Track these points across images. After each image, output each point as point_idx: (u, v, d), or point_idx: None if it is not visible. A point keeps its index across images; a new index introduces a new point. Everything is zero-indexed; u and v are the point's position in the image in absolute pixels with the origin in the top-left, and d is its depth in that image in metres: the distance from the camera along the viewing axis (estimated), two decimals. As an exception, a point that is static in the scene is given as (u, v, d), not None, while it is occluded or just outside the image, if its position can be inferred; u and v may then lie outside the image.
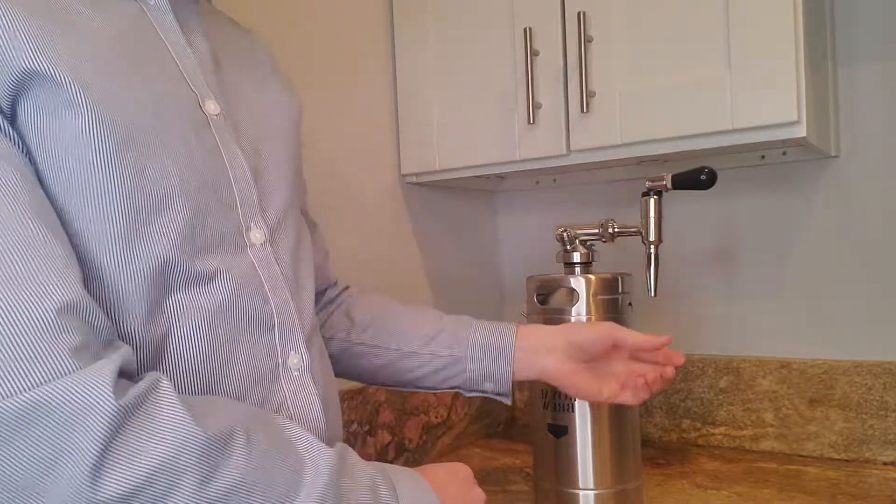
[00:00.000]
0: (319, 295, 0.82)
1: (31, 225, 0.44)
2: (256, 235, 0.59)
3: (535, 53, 1.04)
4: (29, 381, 0.40)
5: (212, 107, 0.59)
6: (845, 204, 1.11)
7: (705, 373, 1.21)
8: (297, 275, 0.64)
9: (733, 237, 1.20)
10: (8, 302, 0.40)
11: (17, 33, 0.46)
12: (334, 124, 1.09)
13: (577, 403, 0.89)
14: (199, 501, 0.43)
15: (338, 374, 0.78)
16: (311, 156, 1.05)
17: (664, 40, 0.96)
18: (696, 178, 0.86)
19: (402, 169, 1.20)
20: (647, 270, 0.90)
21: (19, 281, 0.41)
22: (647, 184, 0.90)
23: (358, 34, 1.15)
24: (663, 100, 0.95)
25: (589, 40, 1.00)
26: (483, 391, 0.81)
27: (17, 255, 0.42)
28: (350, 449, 0.56)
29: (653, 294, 0.90)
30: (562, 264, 0.95)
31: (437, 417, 1.22)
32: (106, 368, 0.42)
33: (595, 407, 0.89)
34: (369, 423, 1.07)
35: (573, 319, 0.90)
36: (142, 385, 0.44)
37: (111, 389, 0.41)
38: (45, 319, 0.41)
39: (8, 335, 0.40)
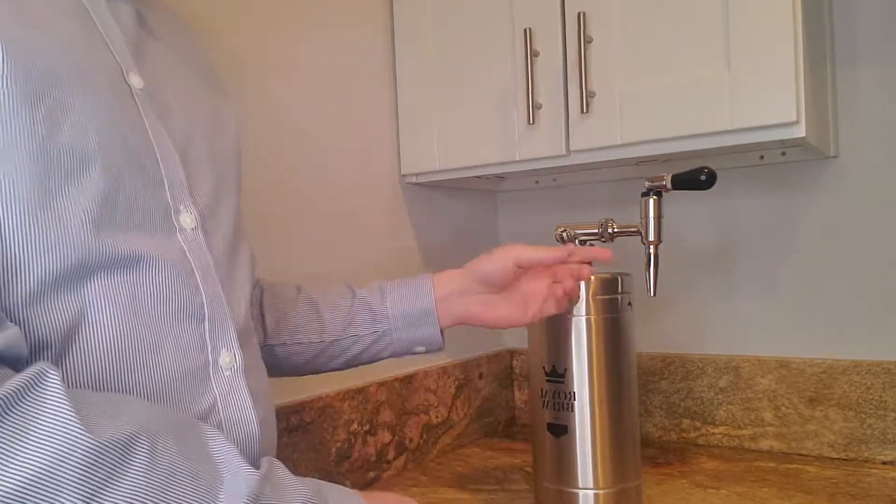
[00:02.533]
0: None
1: None
2: (186, 219, 0.55)
3: (535, 54, 1.04)
4: None
5: (136, 80, 0.54)
6: (844, 204, 1.11)
7: (705, 372, 1.21)
8: (231, 267, 0.60)
9: (732, 237, 1.21)
10: None
11: None
12: (334, 124, 1.10)
13: (576, 403, 0.90)
14: None
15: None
16: (312, 156, 1.05)
17: (664, 40, 0.96)
18: (695, 178, 0.87)
19: (402, 169, 1.21)
20: (647, 270, 0.90)
21: None
22: (647, 184, 0.90)
23: (358, 34, 1.15)
24: (663, 100, 0.95)
25: (589, 41, 1.00)
26: (415, 353, 0.82)
27: None
28: (279, 465, 0.51)
29: (652, 294, 0.90)
30: (562, 264, 0.95)
31: (437, 417, 1.22)
32: None
33: (595, 406, 0.89)
34: (369, 423, 1.07)
35: (573, 319, 0.90)
36: (23, 376, 0.38)
37: None
38: None
39: None
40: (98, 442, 0.38)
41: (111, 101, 0.51)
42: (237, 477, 0.45)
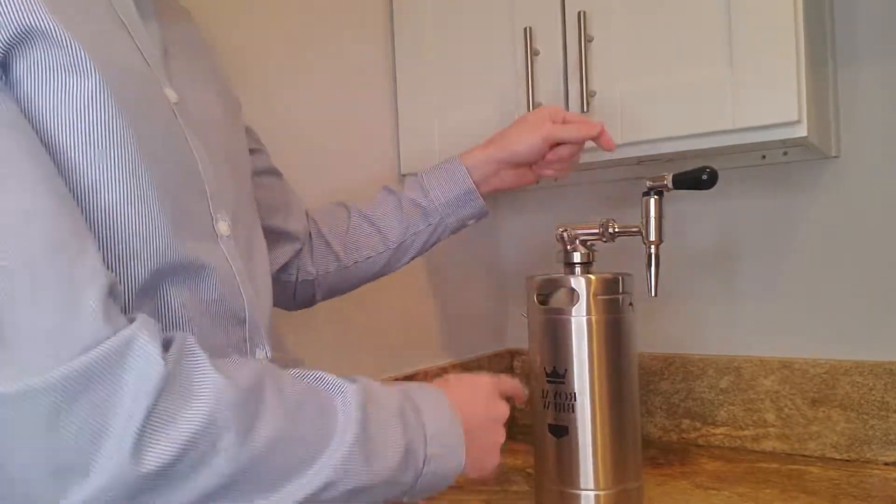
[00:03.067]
0: (307, 229, 0.87)
1: (46, 195, 0.41)
2: (223, 227, 0.58)
3: (535, 53, 1.04)
4: (72, 349, 0.36)
5: (171, 94, 0.56)
6: (846, 204, 1.11)
7: (706, 373, 1.21)
8: (254, 268, 0.63)
9: (734, 237, 1.20)
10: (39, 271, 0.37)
11: None
12: (334, 124, 1.09)
13: (577, 404, 0.89)
14: (243, 454, 0.42)
15: (340, 293, 0.90)
16: (311, 156, 1.05)
17: (665, 40, 0.96)
18: (697, 178, 0.86)
19: (402, 169, 1.20)
20: (648, 270, 0.89)
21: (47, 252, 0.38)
22: (648, 184, 0.90)
23: (358, 34, 1.15)
24: (664, 100, 0.95)
25: (589, 40, 1.00)
26: (467, 225, 0.92)
27: (41, 227, 0.39)
28: (370, 380, 0.55)
29: (653, 294, 0.90)
30: (562, 264, 0.95)
31: (437, 418, 1.21)
32: (145, 328, 0.40)
33: (596, 407, 0.89)
34: (370, 424, 1.07)
35: (573, 319, 0.90)
36: (177, 345, 0.42)
37: (159, 352, 0.40)
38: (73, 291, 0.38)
39: (40, 307, 0.36)
40: (240, 387, 0.43)
41: (163, 115, 0.53)
42: (346, 390, 0.51)
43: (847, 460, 1.09)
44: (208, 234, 0.56)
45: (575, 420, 0.89)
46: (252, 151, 0.77)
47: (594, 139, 0.89)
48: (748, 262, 1.19)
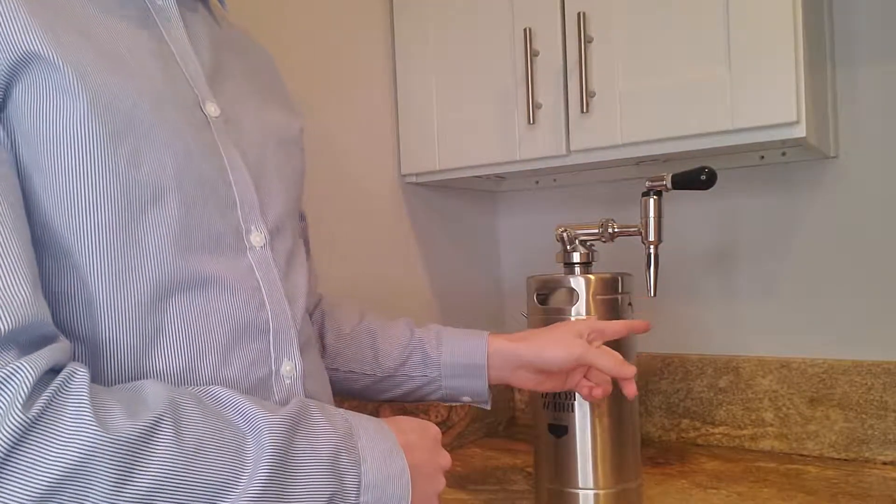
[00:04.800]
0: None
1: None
2: (257, 238, 0.59)
3: (535, 53, 1.04)
4: None
5: (212, 109, 0.59)
6: (844, 204, 1.11)
7: (705, 372, 1.21)
8: (293, 280, 0.64)
9: (733, 237, 1.20)
10: None
11: (20, 17, 0.46)
12: (335, 124, 1.09)
13: (577, 404, 0.89)
14: (119, 502, 0.40)
15: None
16: (312, 156, 1.05)
17: (664, 40, 0.96)
18: (696, 178, 0.87)
19: (402, 169, 1.21)
20: (647, 270, 0.90)
21: None
22: (647, 184, 0.90)
23: (358, 34, 1.15)
24: (663, 100, 0.95)
25: (589, 40, 1.00)
26: (461, 402, 0.84)
27: None
28: (312, 405, 0.53)
29: (652, 294, 0.90)
30: (562, 264, 0.95)
31: (437, 417, 1.22)
32: (20, 373, 0.40)
33: (595, 407, 0.89)
34: (369, 423, 1.07)
35: (573, 318, 0.90)
36: (53, 385, 0.41)
37: (22, 401, 0.39)
38: None
39: None
40: (117, 436, 0.41)
41: (187, 133, 0.55)
42: (258, 427, 0.47)
43: (845, 460, 1.09)
44: (231, 246, 0.57)
45: (574, 420, 0.90)
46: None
47: (621, 379, 0.81)
48: (747, 261, 1.19)
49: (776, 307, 1.17)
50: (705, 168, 0.86)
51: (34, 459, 0.39)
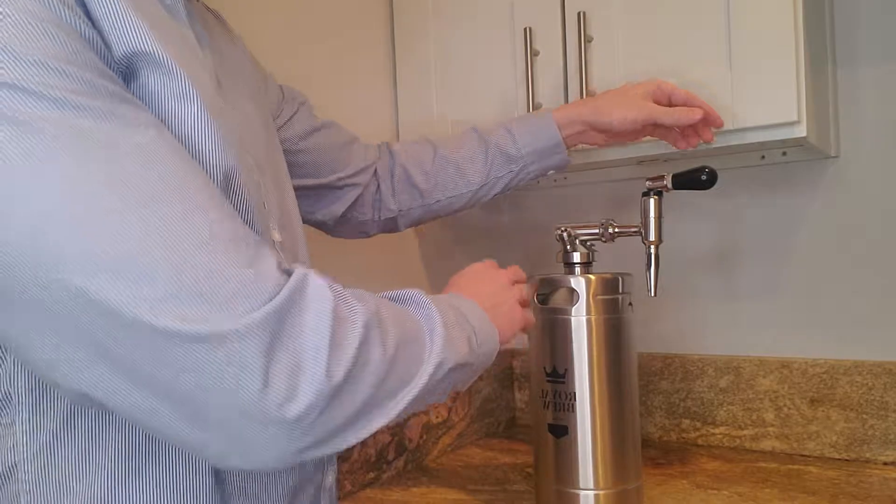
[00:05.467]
0: (371, 171, 0.93)
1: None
2: (276, 235, 0.61)
3: (535, 53, 1.04)
4: (264, 296, 0.42)
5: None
6: (845, 204, 1.11)
7: (705, 372, 1.21)
8: None
9: (733, 237, 1.20)
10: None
11: (128, 16, 0.45)
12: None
13: (577, 404, 0.89)
14: (386, 359, 0.48)
15: (424, 223, 0.98)
16: (312, 156, 1.05)
17: (665, 40, 0.96)
18: (696, 178, 0.86)
19: (402, 169, 1.20)
20: (648, 270, 0.90)
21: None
22: (648, 184, 0.90)
23: (358, 34, 1.15)
24: (663, 100, 0.95)
25: (589, 40, 1.00)
26: (547, 175, 0.96)
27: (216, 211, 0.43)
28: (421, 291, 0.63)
29: (653, 294, 0.90)
30: (562, 264, 0.95)
31: (437, 417, 1.22)
32: (309, 273, 0.47)
33: (595, 407, 0.89)
34: (369, 424, 1.07)
35: (573, 319, 0.90)
36: (328, 280, 0.48)
37: (327, 287, 0.46)
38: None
39: (239, 267, 0.42)
40: (372, 311, 0.49)
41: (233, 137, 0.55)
42: (420, 301, 0.57)
43: (846, 460, 1.09)
44: (270, 241, 0.59)
45: (574, 420, 0.89)
46: (293, 114, 0.85)
47: (694, 127, 0.89)
48: (747, 261, 1.19)
49: (777, 307, 1.17)
50: (706, 168, 0.86)
51: (344, 331, 0.46)
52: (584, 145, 1.02)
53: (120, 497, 0.48)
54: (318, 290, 0.45)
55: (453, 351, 0.56)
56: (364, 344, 0.47)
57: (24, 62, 0.38)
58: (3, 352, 0.45)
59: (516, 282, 0.75)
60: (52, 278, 0.38)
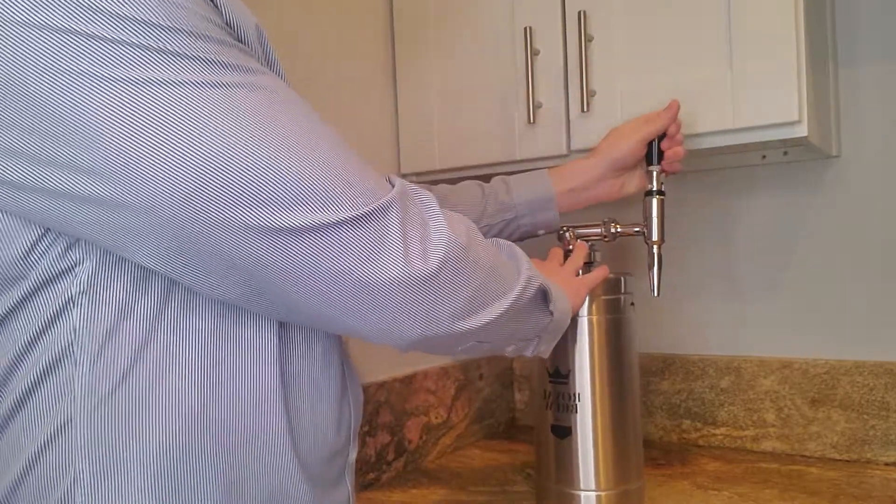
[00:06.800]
0: None
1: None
2: None
3: (535, 53, 1.03)
4: (384, 193, 0.50)
5: None
6: (846, 204, 1.11)
7: (706, 373, 1.21)
8: None
9: (735, 237, 1.20)
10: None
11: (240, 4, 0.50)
12: (334, 123, 1.08)
13: (579, 405, 0.89)
14: (484, 262, 0.56)
15: None
16: (311, 156, 1.04)
17: (665, 39, 0.95)
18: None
19: (401, 168, 1.20)
20: (651, 270, 0.89)
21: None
22: (649, 184, 0.90)
23: (358, 33, 1.14)
24: (664, 99, 0.95)
25: (589, 39, 0.99)
26: (537, 235, 0.95)
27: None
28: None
29: (656, 294, 0.90)
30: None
31: (437, 418, 1.21)
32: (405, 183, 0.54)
33: (597, 407, 0.89)
34: (369, 424, 1.07)
35: (576, 319, 0.89)
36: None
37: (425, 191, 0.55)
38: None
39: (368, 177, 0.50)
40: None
41: None
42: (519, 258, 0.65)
43: (847, 461, 1.09)
44: None
45: (577, 420, 0.89)
46: None
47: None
48: (748, 261, 1.19)
49: (778, 307, 1.17)
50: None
51: (448, 223, 0.53)
52: (585, 142, 1.01)
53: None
54: (422, 191, 0.54)
55: (538, 275, 0.63)
56: (470, 227, 0.56)
57: (175, 31, 0.43)
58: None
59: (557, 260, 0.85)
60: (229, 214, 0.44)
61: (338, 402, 0.59)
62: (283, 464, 0.53)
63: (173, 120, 0.41)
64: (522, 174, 0.94)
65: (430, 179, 1.19)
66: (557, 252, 0.88)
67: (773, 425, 1.15)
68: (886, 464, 1.06)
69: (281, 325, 0.53)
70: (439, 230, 0.52)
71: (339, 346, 0.61)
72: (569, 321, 0.73)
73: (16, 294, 0.46)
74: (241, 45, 0.48)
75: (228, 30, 0.47)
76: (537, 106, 1.04)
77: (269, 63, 0.53)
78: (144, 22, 0.41)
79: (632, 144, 0.90)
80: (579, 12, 0.98)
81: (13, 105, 0.40)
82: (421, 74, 1.17)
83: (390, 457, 1.10)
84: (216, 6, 0.47)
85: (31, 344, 0.46)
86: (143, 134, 0.41)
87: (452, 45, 1.14)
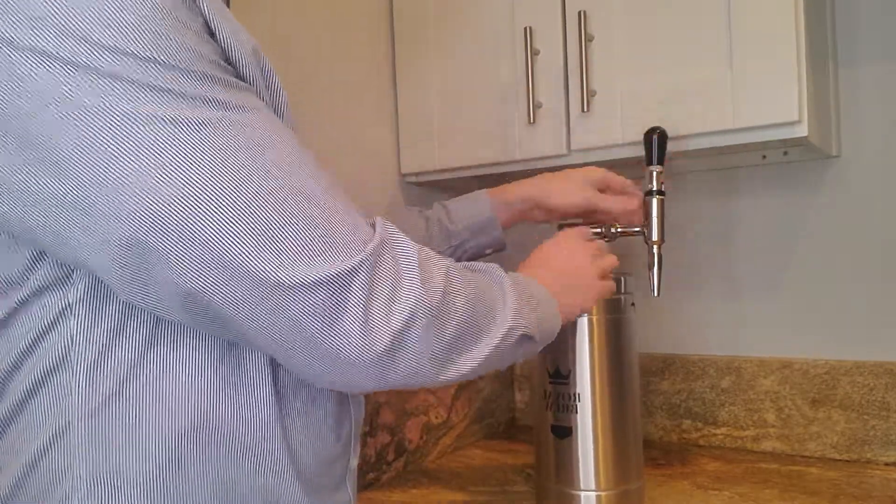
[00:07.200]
0: None
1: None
2: None
3: (535, 53, 1.03)
4: (362, 243, 0.50)
5: None
6: (846, 204, 1.11)
7: (706, 373, 1.21)
8: None
9: (734, 237, 1.20)
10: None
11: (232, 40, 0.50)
12: (334, 123, 1.09)
13: (579, 405, 0.89)
14: (466, 309, 0.56)
15: None
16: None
17: (665, 39, 0.95)
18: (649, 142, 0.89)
19: (401, 168, 1.20)
20: (651, 270, 0.89)
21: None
22: (649, 184, 0.89)
23: (358, 33, 1.14)
24: (664, 99, 0.95)
25: (590, 39, 0.99)
26: (485, 255, 0.95)
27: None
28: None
29: (657, 294, 0.89)
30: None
31: (437, 418, 1.21)
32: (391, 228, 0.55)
33: (597, 407, 0.89)
34: (369, 424, 1.07)
35: (577, 320, 0.89)
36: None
37: (410, 241, 0.55)
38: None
39: (345, 225, 0.49)
40: (453, 266, 0.58)
41: None
42: (496, 272, 0.65)
43: (847, 461, 1.09)
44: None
45: (577, 420, 0.89)
46: None
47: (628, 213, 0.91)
48: (748, 261, 1.19)
49: (778, 307, 1.16)
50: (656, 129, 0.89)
51: (428, 275, 0.54)
52: (585, 142, 1.02)
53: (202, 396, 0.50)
54: (402, 238, 0.54)
55: (523, 319, 0.63)
56: (448, 275, 0.55)
57: (167, 67, 0.43)
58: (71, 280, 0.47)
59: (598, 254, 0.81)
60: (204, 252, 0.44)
61: (336, 408, 0.59)
62: (278, 471, 0.53)
63: (146, 154, 0.42)
64: (462, 197, 0.94)
65: (429, 179, 1.19)
66: (583, 232, 0.85)
67: (774, 425, 1.15)
68: (886, 464, 1.06)
69: None
70: (411, 288, 0.51)
71: None
72: (553, 338, 0.71)
73: (14, 299, 0.46)
74: (235, 79, 0.48)
75: (225, 65, 0.47)
76: (537, 106, 1.04)
77: (269, 86, 0.53)
78: (135, 55, 0.42)
79: (574, 204, 0.90)
80: (579, 12, 0.98)
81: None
82: (421, 74, 1.17)
83: (390, 457, 1.10)
84: (214, 39, 0.47)
85: (28, 350, 0.46)
86: (110, 166, 0.41)
87: (452, 45, 1.14)
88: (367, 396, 1.06)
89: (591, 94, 0.99)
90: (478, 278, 0.61)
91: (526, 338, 0.64)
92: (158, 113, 0.42)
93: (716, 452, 1.17)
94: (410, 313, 0.50)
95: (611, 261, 0.83)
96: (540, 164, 1.07)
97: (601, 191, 0.91)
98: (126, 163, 0.41)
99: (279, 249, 0.45)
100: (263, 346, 0.48)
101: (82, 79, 0.41)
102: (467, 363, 0.56)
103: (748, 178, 1.18)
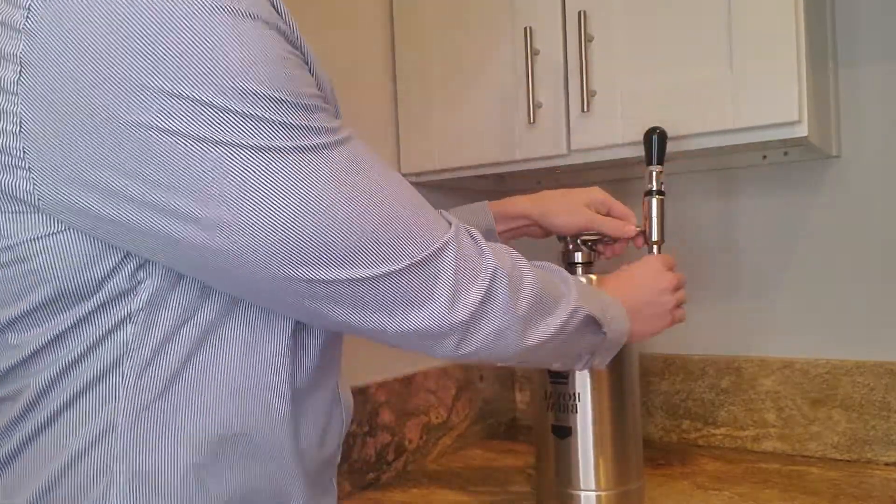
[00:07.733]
0: None
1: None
2: None
3: (535, 53, 1.03)
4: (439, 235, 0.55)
5: None
6: (847, 204, 1.11)
7: (706, 373, 1.21)
8: None
9: (734, 237, 1.20)
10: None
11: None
12: (334, 124, 1.09)
13: (579, 405, 0.89)
14: (535, 288, 0.61)
15: None
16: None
17: (665, 39, 0.95)
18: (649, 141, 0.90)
19: (401, 168, 1.20)
20: (650, 271, 0.89)
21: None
22: (649, 184, 0.89)
23: (358, 32, 1.14)
24: (665, 99, 0.95)
25: (590, 39, 0.99)
26: None
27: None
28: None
29: (656, 294, 0.90)
30: (563, 264, 0.95)
31: (437, 418, 1.21)
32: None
33: (597, 407, 0.89)
34: (369, 424, 1.07)
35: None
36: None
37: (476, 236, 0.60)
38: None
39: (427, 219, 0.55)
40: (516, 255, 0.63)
41: None
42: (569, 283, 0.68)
43: (848, 461, 1.09)
44: None
45: (577, 420, 0.89)
46: None
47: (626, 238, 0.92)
48: (748, 261, 1.19)
49: (778, 307, 1.16)
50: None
51: (499, 260, 0.59)
52: (585, 142, 1.02)
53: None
54: (466, 226, 0.59)
55: (586, 301, 0.66)
56: (513, 255, 0.61)
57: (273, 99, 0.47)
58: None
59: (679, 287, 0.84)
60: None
61: (333, 409, 0.61)
62: (288, 470, 0.55)
63: (264, 183, 0.46)
64: (463, 207, 0.95)
65: (429, 179, 1.19)
66: (668, 260, 0.87)
67: (774, 425, 1.15)
68: (887, 464, 1.06)
69: (294, 339, 0.55)
70: (488, 263, 0.57)
71: (341, 354, 0.62)
72: (624, 340, 0.74)
73: (80, 311, 0.47)
74: (327, 105, 0.52)
75: (319, 94, 0.52)
76: (537, 106, 1.04)
77: (337, 112, 0.57)
78: (254, 93, 0.45)
79: (573, 225, 0.91)
80: (579, 12, 0.98)
81: (120, 150, 0.43)
82: (421, 73, 1.17)
83: (390, 457, 1.11)
84: (311, 73, 0.53)
85: (83, 355, 0.48)
86: (239, 192, 0.45)
87: (452, 45, 1.14)
88: (366, 396, 1.06)
89: (591, 94, 0.99)
90: (539, 269, 0.65)
91: (592, 321, 0.67)
92: (297, 145, 0.47)
93: (716, 452, 1.16)
94: (490, 282, 0.56)
95: (683, 294, 0.86)
96: (540, 164, 1.07)
97: (601, 213, 0.91)
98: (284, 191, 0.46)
99: (382, 250, 0.51)
100: (359, 332, 0.54)
101: (232, 121, 0.45)
102: (540, 333, 0.61)
103: (748, 178, 1.18)
